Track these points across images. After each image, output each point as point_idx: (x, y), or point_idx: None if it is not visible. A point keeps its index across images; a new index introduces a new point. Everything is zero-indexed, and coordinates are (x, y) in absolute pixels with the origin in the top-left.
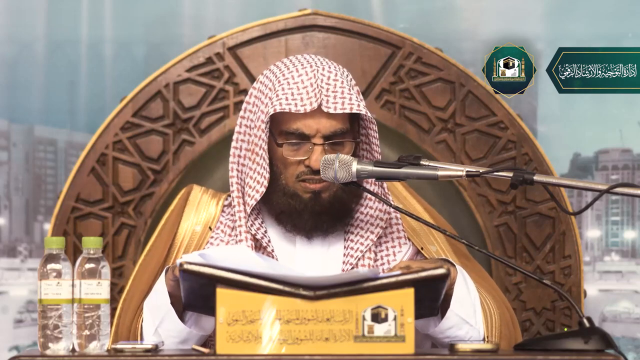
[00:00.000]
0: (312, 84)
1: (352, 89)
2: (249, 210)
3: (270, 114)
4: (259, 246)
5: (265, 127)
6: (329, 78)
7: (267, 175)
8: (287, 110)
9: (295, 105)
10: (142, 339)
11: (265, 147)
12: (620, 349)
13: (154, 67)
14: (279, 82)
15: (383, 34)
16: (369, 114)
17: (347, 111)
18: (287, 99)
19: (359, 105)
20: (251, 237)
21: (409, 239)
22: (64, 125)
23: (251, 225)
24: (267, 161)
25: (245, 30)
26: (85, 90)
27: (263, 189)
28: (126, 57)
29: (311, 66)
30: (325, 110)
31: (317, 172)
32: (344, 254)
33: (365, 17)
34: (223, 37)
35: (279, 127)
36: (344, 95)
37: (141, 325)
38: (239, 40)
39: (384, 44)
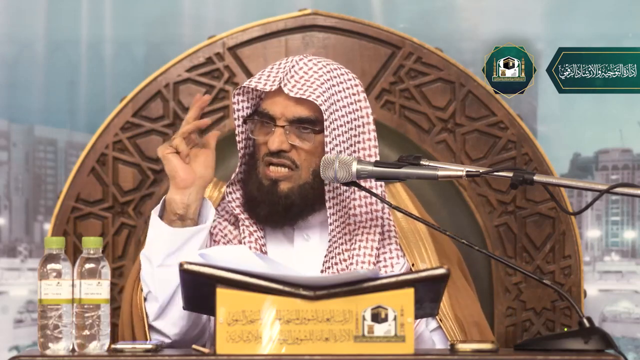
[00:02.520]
0: (283, 69)
1: (326, 85)
2: (224, 189)
3: (240, 92)
4: (252, 238)
5: (237, 102)
6: (309, 69)
7: (240, 154)
8: (253, 86)
9: (264, 85)
10: (145, 301)
11: (238, 131)
12: (620, 349)
13: (154, 67)
14: (265, 69)
15: (383, 34)
16: (323, 108)
17: (304, 97)
18: (259, 78)
19: (317, 97)
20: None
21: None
22: (64, 125)
23: (246, 218)
24: (241, 142)
25: (245, 30)
26: (85, 90)
27: (237, 169)
28: (126, 57)
29: (299, 56)
30: (285, 91)
31: (276, 154)
32: (350, 256)
33: (365, 17)
34: (223, 37)
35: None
36: (310, 85)
37: (141, 290)
38: (239, 40)
39: (384, 44)
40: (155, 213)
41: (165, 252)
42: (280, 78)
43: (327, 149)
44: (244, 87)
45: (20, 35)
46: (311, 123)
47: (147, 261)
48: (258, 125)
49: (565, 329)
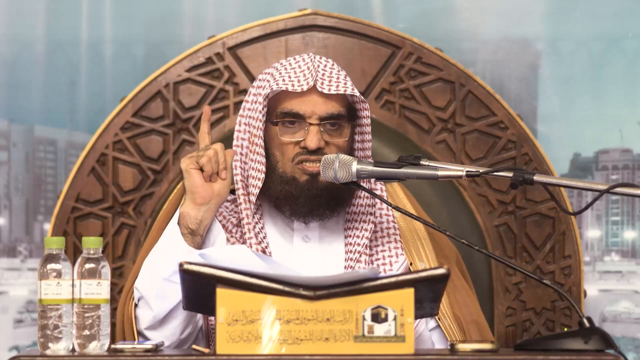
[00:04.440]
0: (308, 68)
1: (348, 80)
2: (253, 199)
3: (267, 94)
4: (258, 242)
5: (262, 109)
6: (325, 66)
7: (264, 161)
8: (284, 89)
9: (292, 85)
10: (137, 307)
11: (261, 134)
12: (620, 349)
13: (154, 67)
14: (277, 69)
15: (383, 34)
16: (362, 97)
17: (341, 92)
18: (284, 80)
19: (353, 89)
20: (254, 235)
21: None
22: (64, 125)
23: (256, 224)
24: (263, 146)
25: (245, 30)
26: (85, 90)
27: (262, 175)
28: (126, 57)
29: (308, 55)
30: (320, 89)
31: (314, 152)
32: (346, 251)
33: (365, 17)
34: (223, 37)
35: (276, 111)
36: (339, 80)
37: (135, 303)
38: (239, 40)
39: (384, 44)
40: (176, 223)
41: (175, 268)
42: (312, 77)
43: (366, 137)
44: (270, 91)
45: (20, 35)
46: (341, 118)
47: (150, 271)
48: (280, 126)
49: (565, 329)
